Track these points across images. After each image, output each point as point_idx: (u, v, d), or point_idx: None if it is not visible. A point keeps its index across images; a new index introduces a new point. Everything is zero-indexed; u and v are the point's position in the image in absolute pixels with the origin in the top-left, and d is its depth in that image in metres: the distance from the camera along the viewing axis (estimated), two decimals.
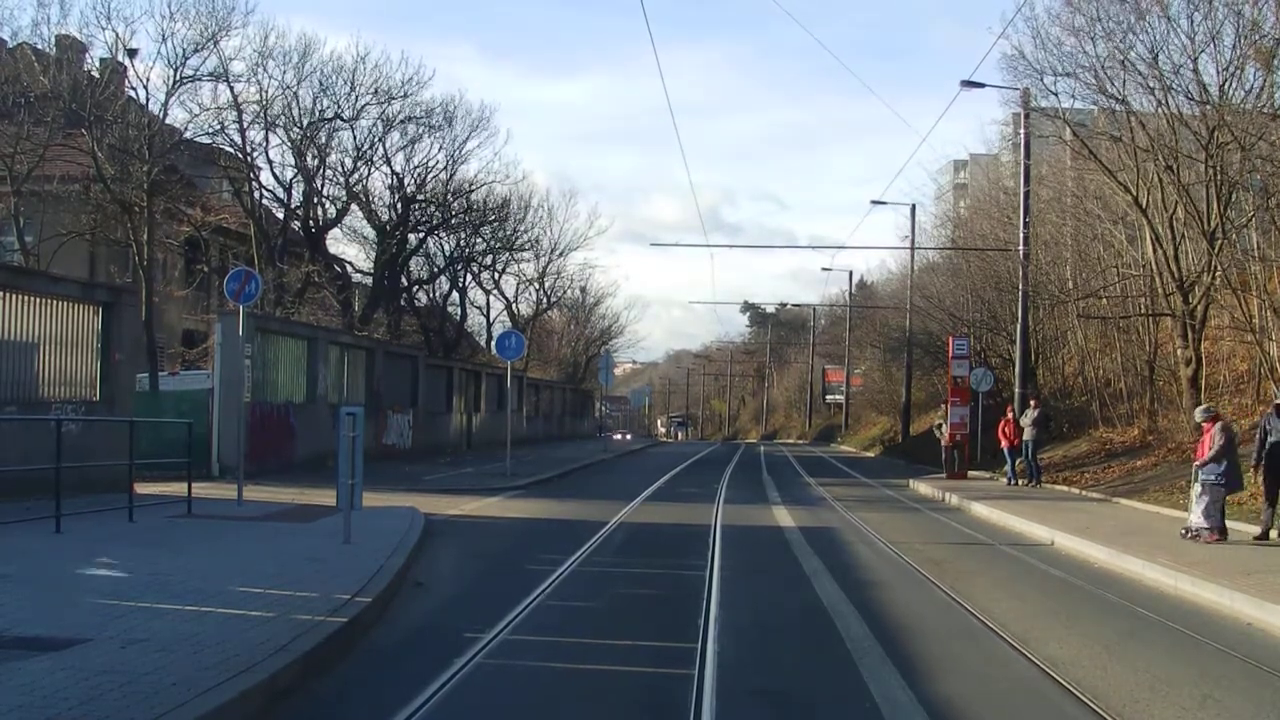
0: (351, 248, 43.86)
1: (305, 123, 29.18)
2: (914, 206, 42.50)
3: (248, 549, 10.32)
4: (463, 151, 34.61)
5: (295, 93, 28.59)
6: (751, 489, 22.07)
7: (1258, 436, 12.40)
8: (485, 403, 38.47)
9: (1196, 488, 12.34)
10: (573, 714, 5.86)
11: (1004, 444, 22.78)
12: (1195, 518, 12.28)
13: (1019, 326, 24.96)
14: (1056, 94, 21.82)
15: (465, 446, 34.79)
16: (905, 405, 41.21)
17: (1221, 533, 12.16)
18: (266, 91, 27.69)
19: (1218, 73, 18.89)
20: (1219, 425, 12.49)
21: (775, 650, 7.27)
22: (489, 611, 7.93)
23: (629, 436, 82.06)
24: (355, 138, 31.26)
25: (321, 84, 29.27)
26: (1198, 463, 12.40)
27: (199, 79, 24.92)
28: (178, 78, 24.05)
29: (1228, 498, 12.65)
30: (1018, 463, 22.40)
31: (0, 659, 5.60)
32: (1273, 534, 12.27)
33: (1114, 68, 19.88)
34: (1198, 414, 12.76)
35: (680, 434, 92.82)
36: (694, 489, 21.39)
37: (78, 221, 24.62)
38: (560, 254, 47.50)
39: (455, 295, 42.11)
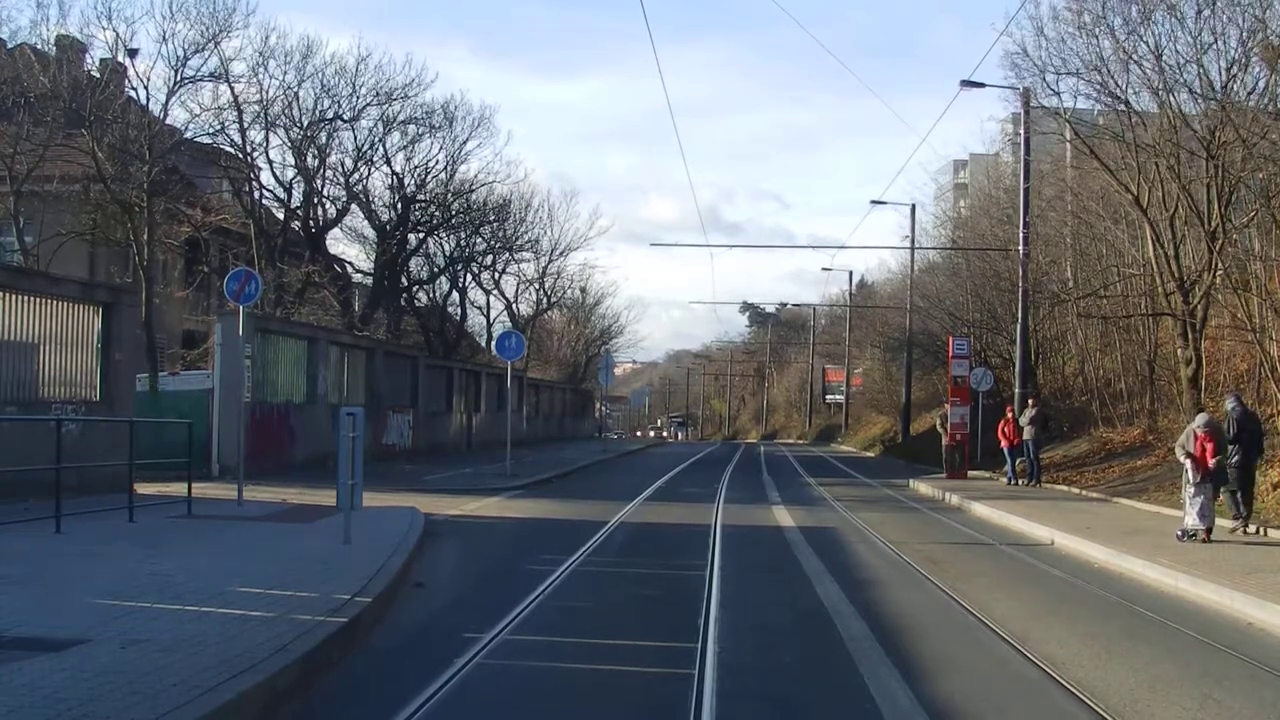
0: (352, 248, 43.87)
1: (305, 123, 29.23)
2: (914, 206, 42.49)
3: (248, 549, 10.31)
4: (463, 152, 34.68)
5: (296, 93, 28.66)
6: (751, 489, 22.07)
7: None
8: (485, 403, 38.45)
9: (1190, 489, 12.36)
10: (573, 714, 5.86)
11: (1004, 444, 22.79)
12: (1191, 519, 12.29)
13: (1019, 326, 24.94)
14: (1059, 93, 21.82)
15: (465, 447, 34.79)
16: (905, 405, 41.18)
17: (1210, 530, 12.27)
18: (267, 92, 27.76)
19: (1221, 71, 18.89)
20: (1214, 430, 12.60)
21: (776, 650, 7.27)
22: (489, 612, 7.93)
23: (664, 434, 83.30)
24: (355, 138, 31.33)
25: (323, 84, 29.34)
26: (1193, 466, 12.37)
27: (199, 79, 24.98)
28: (178, 78, 24.11)
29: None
30: (1018, 462, 22.41)
31: (1, 659, 5.60)
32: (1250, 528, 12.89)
33: (1118, 65, 19.88)
34: (1199, 423, 12.69)
35: (680, 434, 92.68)
36: (694, 489, 21.39)
37: (78, 222, 24.63)
38: (560, 254, 47.52)
39: (455, 295, 42.16)
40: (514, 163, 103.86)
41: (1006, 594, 9.63)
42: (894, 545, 12.60)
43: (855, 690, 6.17)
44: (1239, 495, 13.04)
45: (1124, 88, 20.22)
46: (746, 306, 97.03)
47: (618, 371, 69.82)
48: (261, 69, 27.34)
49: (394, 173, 33.59)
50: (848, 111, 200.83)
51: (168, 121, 24.93)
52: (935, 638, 7.68)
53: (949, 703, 5.96)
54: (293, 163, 30.02)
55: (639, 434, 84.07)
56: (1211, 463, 12.31)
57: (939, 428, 26.08)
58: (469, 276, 42.15)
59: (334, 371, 25.18)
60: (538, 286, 48.49)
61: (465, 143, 34.44)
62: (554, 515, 15.79)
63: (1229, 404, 13.38)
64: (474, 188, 36.13)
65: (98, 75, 24.65)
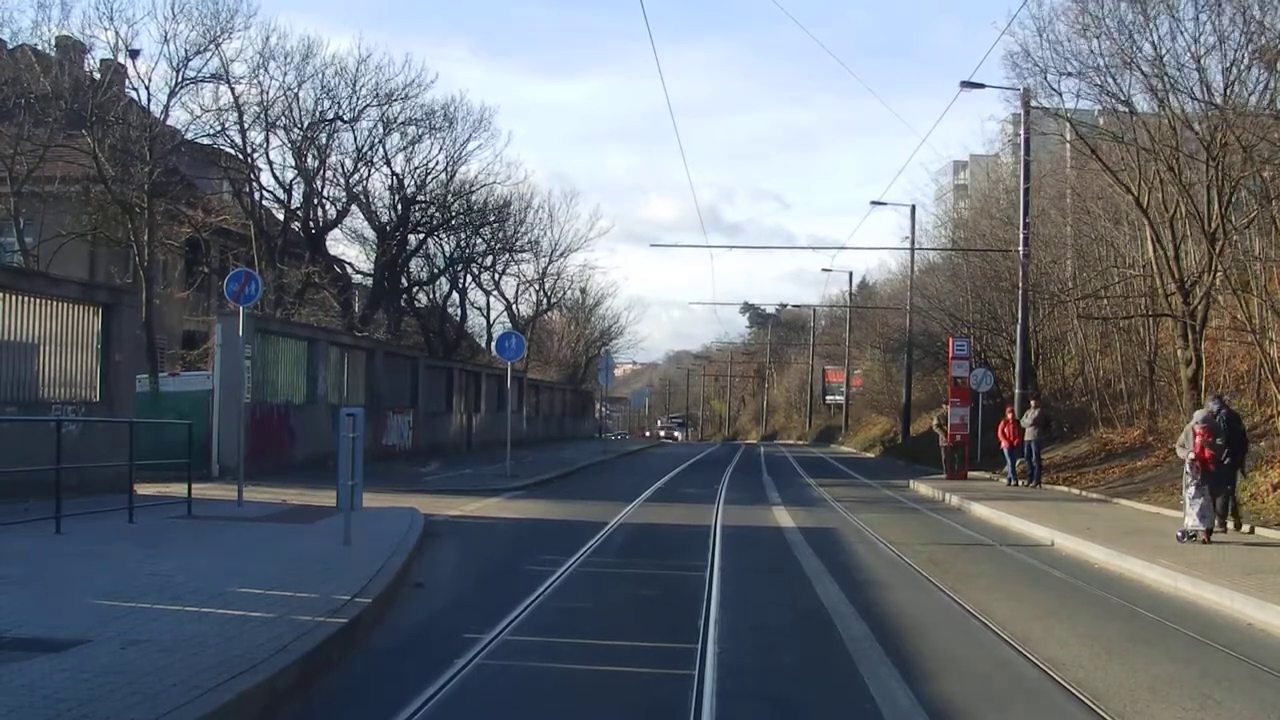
0: (352, 249, 43.92)
1: (306, 124, 29.25)
2: (914, 207, 42.48)
3: (248, 550, 10.31)
4: (463, 152, 34.69)
5: (296, 94, 28.69)
6: (751, 490, 22.06)
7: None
8: (485, 403, 38.46)
9: (1190, 490, 12.35)
10: (573, 715, 5.87)
11: (1004, 444, 22.78)
12: (1191, 520, 12.28)
13: (1019, 327, 24.94)
14: (1060, 94, 21.83)
15: (465, 447, 34.79)
16: (905, 406, 41.19)
17: (1210, 531, 12.28)
18: (267, 93, 27.79)
19: (1222, 73, 18.91)
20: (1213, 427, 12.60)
21: (776, 651, 7.27)
22: (489, 612, 7.93)
23: (675, 435, 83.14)
24: (355, 139, 31.34)
25: (323, 85, 29.37)
26: (1194, 466, 12.36)
27: (200, 80, 25.00)
28: (179, 79, 24.13)
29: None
30: (1018, 463, 22.40)
31: (1, 660, 5.60)
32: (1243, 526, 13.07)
33: (1118, 67, 19.90)
34: (1198, 420, 12.70)
35: (680, 435, 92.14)
36: (694, 490, 21.39)
37: (78, 222, 24.63)
38: (560, 255, 47.54)
39: (455, 296, 42.17)
40: (514, 163, 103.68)
41: (1006, 595, 9.63)
42: (894, 546, 12.60)
43: (855, 691, 6.17)
44: (1229, 496, 13.12)
45: (1124, 89, 20.26)
46: (747, 307, 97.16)
47: (618, 372, 69.84)
48: (262, 70, 27.39)
49: (394, 174, 33.67)
50: (848, 111, 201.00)
51: (168, 122, 24.95)
52: (935, 638, 7.68)
53: (949, 703, 5.96)
54: (293, 164, 30.10)
55: (647, 434, 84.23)
56: (1209, 454, 12.28)
57: (935, 429, 26.08)
58: (469, 277, 42.22)
59: (334, 372, 25.18)
60: (538, 287, 48.58)
61: (465, 144, 34.50)
62: (554, 516, 15.79)
63: (1212, 405, 13.22)
64: (474, 188, 36.19)
65: (99, 76, 24.66)
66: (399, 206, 34.17)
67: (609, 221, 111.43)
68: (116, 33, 23.84)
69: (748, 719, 5.80)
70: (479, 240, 39.97)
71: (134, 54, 23.92)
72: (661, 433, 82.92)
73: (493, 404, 38.86)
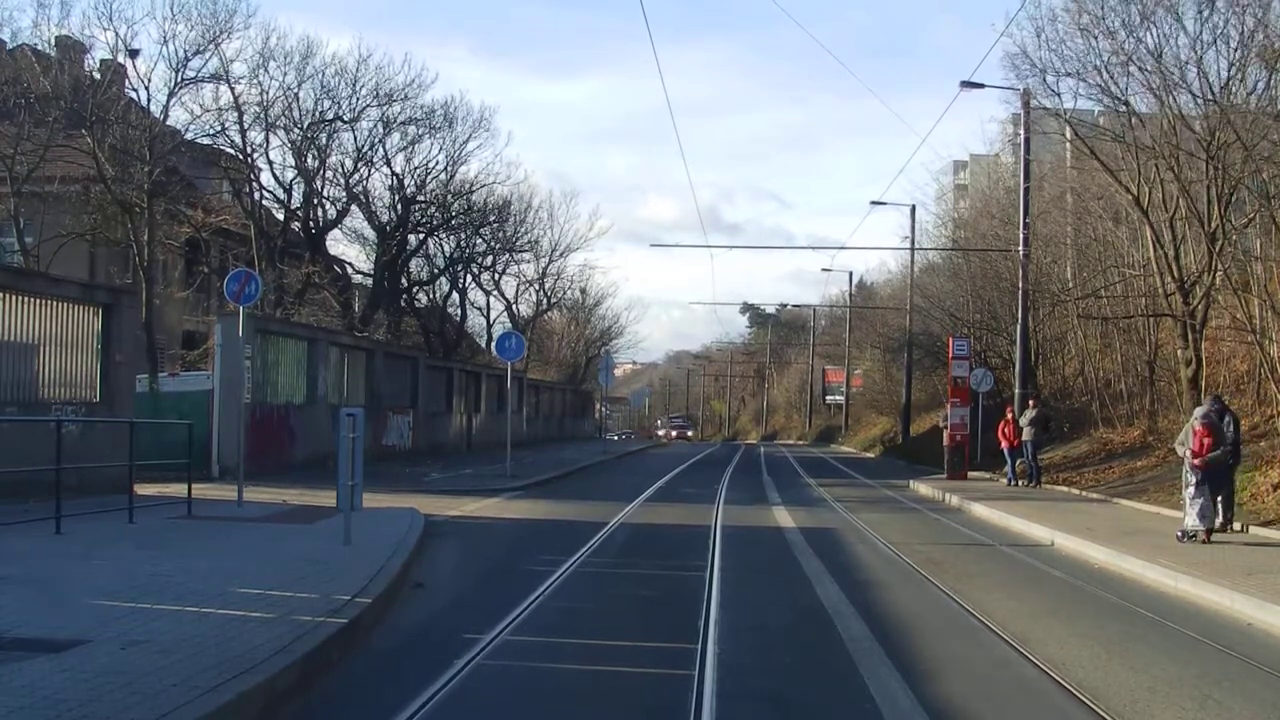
0: (352, 249, 43.91)
1: (306, 124, 29.24)
2: (914, 207, 42.27)
3: (248, 550, 10.31)
4: (463, 152, 34.67)
5: (296, 94, 28.70)
6: (751, 490, 22.06)
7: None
8: (485, 404, 38.46)
9: (1190, 490, 12.35)
10: (573, 715, 5.87)
11: (1004, 444, 22.78)
12: (1191, 520, 12.28)
13: (1019, 327, 24.93)
14: (1059, 94, 21.83)
15: (465, 447, 34.79)
16: (905, 406, 41.17)
17: (1210, 531, 12.27)
18: (267, 93, 27.80)
19: (1221, 72, 18.93)
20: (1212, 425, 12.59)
21: (776, 651, 7.27)
22: (489, 612, 7.93)
23: (689, 434, 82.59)
24: (355, 139, 31.33)
25: (323, 85, 29.38)
26: (1195, 462, 12.35)
27: (200, 80, 25.03)
28: (179, 79, 24.17)
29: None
30: (1018, 463, 22.41)
31: (1, 660, 5.60)
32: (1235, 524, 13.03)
33: (1117, 66, 19.91)
34: (1198, 417, 12.71)
35: (688, 433, 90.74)
36: (694, 490, 21.38)
37: (78, 222, 24.64)
38: (560, 255, 47.58)
39: (455, 296, 42.17)
40: (514, 163, 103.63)
41: (1006, 595, 9.64)
42: (894, 546, 12.61)
43: (855, 691, 6.17)
44: (1224, 495, 13.03)
45: (1124, 89, 20.27)
46: (746, 307, 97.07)
47: (617, 372, 69.82)
48: (262, 70, 27.41)
49: (394, 173, 33.67)
50: (848, 111, 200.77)
51: (168, 122, 24.97)
52: (935, 638, 7.68)
53: (949, 703, 5.96)
54: (293, 164, 30.11)
55: (660, 434, 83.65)
56: (1199, 461, 12.25)
57: (941, 426, 26.05)
58: (469, 277, 42.21)
59: (334, 372, 25.18)
60: (538, 287, 48.60)
61: (465, 143, 34.48)
62: (554, 516, 15.79)
63: (1209, 405, 13.15)
64: (474, 188, 36.18)
65: (98, 76, 24.68)
66: (399, 206, 34.18)
67: (608, 221, 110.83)
68: (116, 33, 23.91)
69: (748, 719, 5.80)
70: (479, 240, 40.03)
71: (134, 54, 23.99)
72: (674, 433, 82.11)
73: (493, 404, 38.86)
